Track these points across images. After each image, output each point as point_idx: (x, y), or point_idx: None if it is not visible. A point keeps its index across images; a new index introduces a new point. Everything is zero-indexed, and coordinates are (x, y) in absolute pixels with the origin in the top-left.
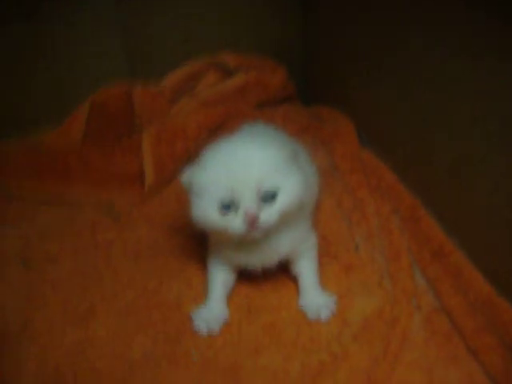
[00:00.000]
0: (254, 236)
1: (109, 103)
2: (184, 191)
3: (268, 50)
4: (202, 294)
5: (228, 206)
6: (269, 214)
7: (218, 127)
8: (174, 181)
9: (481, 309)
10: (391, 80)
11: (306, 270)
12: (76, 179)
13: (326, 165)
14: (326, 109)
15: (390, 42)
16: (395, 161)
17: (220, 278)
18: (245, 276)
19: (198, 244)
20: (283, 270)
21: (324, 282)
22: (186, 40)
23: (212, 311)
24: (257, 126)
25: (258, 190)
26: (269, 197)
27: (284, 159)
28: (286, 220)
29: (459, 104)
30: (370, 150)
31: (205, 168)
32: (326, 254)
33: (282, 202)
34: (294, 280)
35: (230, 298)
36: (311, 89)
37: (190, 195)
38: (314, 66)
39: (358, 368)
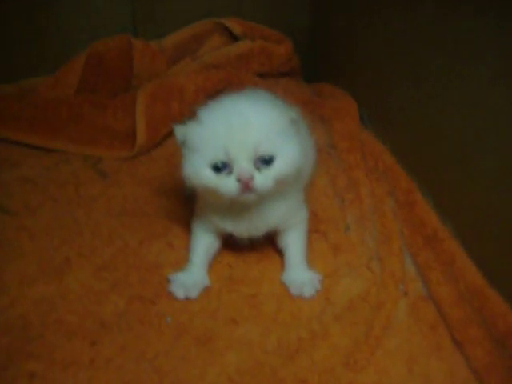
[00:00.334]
0: (246, 199)
1: (107, 55)
2: (175, 153)
3: (274, 25)
4: (183, 259)
5: (222, 166)
6: (264, 179)
7: (217, 92)
8: (166, 143)
9: (470, 299)
10: (396, 60)
11: (294, 244)
12: (65, 131)
13: (323, 142)
14: (329, 86)
15: (397, 17)
16: (395, 143)
17: (203, 243)
18: (229, 244)
19: (184, 208)
20: (269, 242)
21: (310, 259)
22: (193, 7)
23: (192, 276)
24: (259, 91)
25: (254, 152)
26: (265, 161)
27: (285, 124)
28: (281, 188)
29: (467, 84)
30: (370, 131)
31: (201, 123)
32: (315, 231)
33: (279, 168)
34: (280, 253)
35: (212, 265)
36: (315, 67)
37: (183, 150)
38: (318, 43)
39: (337, 348)
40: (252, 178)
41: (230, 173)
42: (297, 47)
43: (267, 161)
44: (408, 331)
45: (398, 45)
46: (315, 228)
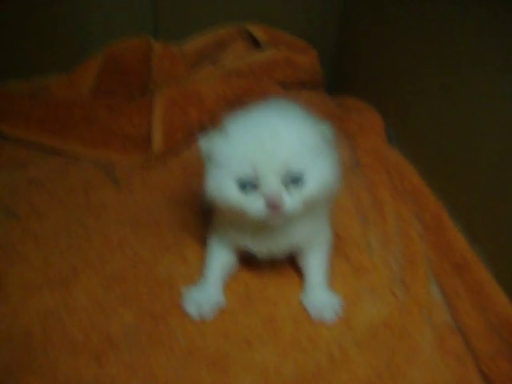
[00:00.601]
0: (274, 222)
1: (125, 57)
2: (191, 163)
3: (300, 33)
4: (196, 273)
5: (248, 181)
6: (294, 200)
7: (238, 102)
8: (182, 152)
9: (501, 331)
10: (428, 75)
11: (315, 264)
12: (77, 132)
13: (346, 158)
14: (354, 100)
15: (430, 35)
16: (424, 163)
17: (219, 259)
18: (246, 261)
19: (199, 220)
20: (289, 260)
21: (331, 281)
22: (216, 9)
23: (206, 294)
24: (286, 103)
25: (284, 168)
26: (294, 179)
27: (318, 141)
28: (311, 209)
29: (507, 98)
30: (397, 149)
31: (228, 136)
32: (336, 252)
33: (310, 188)
34: (299, 273)
35: (227, 283)
36: (339, 80)
37: (206, 164)
38: (344, 55)
39: (357, 377)
40: (280, 196)
41: (256, 189)
42: (321, 58)
43: (297, 179)
44: (432, 362)
45: (432, 59)
46: (336, 249)
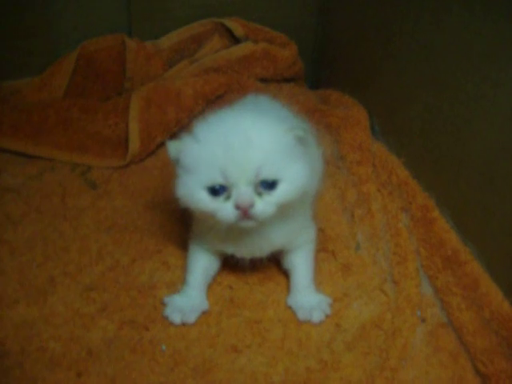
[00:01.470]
0: (245, 226)
1: (98, 56)
2: (170, 164)
3: (278, 26)
4: (178, 279)
5: (220, 189)
6: (265, 205)
7: (217, 98)
8: (159, 151)
9: (496, 328)
10: (415, 65)
11: (301, 264)
12: (52, 136)
13: (330, 153)
14: (336, 93)
15: (416, 19)
16: (410, 155)
17: (201, 263)
18: (229, 263)
19: (179, 222)
20: (273, 261)
21: (318, 280)
22: (192, 5)
23: (189, 299)
24: (263, 99)
25: (256, 175)
26: (267, 185)
27: (291, 143)
28: (284, 211)
29: (496, 91)
30: (382, 142)
31: (198, 140)
32: (322, 250)
33: (283, 193)
34: (285, 273)
35: (211, 287)
36: (320, 73)
37: (176, 169)
38: (325, 47)
39: (350, 381)
40: (251, 203)
41: (228, 197)
42: (301, 51)
43: (270, 185)
44: (426, 362)
45: (417, 50)
46: (323, 247)
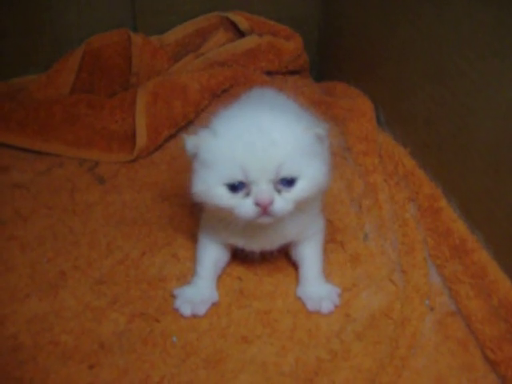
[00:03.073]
0: (263, 222)
1: (104, 52)
2: (177, 156)
3: (283, 19)
4: (188, 271)
5: (238, 186)
6: (284, 202)
7: (223, 92)
8: (167, 145)
9: (505, 316)
10: (419, 56)
11: (310, 256)
12: (59, 133)
13: (337, 145)
14: (342, 85)
15: (420, 10)
16: (416, 145)
17: (211, 255)
18: (239, 256)
19: (189, 215)
20: (283, 252)
21: (327, 271)
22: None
23: (199, 291)
24: (268, 93)
25: (276, 173)
26: (287, 182)
27: (310, 142)
28: (300, 207)
29: (500, 82)
30: (387, 133)
31: (217, 136)
32: (330, 241)
33: (301, 189)
34: (294, 264)
35: (220, 278)
36: (325, 65)
37: (193, 164)
38: (329, 41)
39: (360, 370)
40: (271, 200)
41: (248, 194)
42: (305, 43)
43: (289, 182)
44: (436, 350)
45: (420, 40)
46: (331, 238)
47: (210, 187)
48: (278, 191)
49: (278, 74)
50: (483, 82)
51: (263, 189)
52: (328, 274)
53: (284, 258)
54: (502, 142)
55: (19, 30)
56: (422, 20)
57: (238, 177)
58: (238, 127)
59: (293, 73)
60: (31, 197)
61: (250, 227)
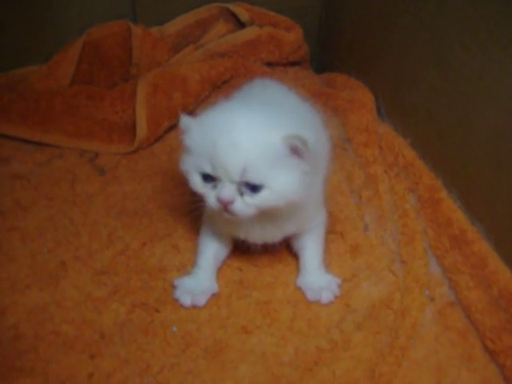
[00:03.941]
0: (228, 218)
1: (104, 43)
2: (177, 147)
3: (283, 10)
4: (189, 262)
5: (208, 177)
6: (244, 205)
7: (223, 83)
8: (167, 136)
9: (505, 306)
10: (420, 47)
11: (310, 247)
12: (59, 124)
13: (337, 136)
14: (342, 76)
15: (418, 5)
16: (416, 136)
17: (212, 247)
18: (239, 247)
19: (189, 206)
20: (283, 243)
21: (327, 262)
22: None
23: (199, 282)
24: (269, 84)
25: (239, 177)
26: (250, 187)
27: (285, 152)
28: (271, 213)
29: (502, 73)
30: (388, 124)
31: (200, 125)
32: (331, 231)
33: (264, 198)
34: (294, 255)
35: (220, 269)
36: (325, 56)
37: (183, 142)
38: (329, 32)
39: (360, 360)
40: (231, 200)
41: (215, 187)
42: (306, 35)
43: (253, 187)
44: (435, 340)
45: (421, 30)
46: (331, 228)
47: (189, 171)
48: (241, 193)
49: (278, 66)
50: (484, 71)
51: (224, 188)
52: (328, 264)
53: (284, 248)
54: (503, 132)
55: (19, 22)
56: (423, 10)
57: (206, 169)
58: (214, 122)
59: (293, 64)
60: (32, 188)
61: (251, 221)
